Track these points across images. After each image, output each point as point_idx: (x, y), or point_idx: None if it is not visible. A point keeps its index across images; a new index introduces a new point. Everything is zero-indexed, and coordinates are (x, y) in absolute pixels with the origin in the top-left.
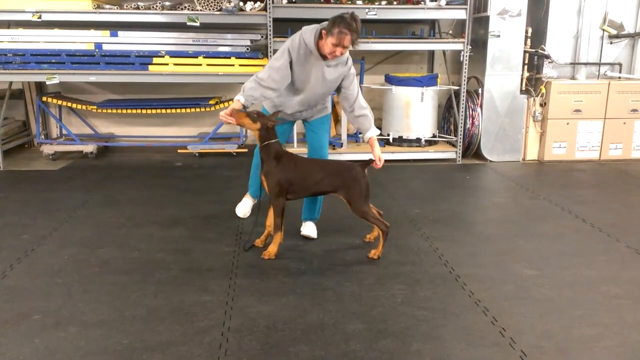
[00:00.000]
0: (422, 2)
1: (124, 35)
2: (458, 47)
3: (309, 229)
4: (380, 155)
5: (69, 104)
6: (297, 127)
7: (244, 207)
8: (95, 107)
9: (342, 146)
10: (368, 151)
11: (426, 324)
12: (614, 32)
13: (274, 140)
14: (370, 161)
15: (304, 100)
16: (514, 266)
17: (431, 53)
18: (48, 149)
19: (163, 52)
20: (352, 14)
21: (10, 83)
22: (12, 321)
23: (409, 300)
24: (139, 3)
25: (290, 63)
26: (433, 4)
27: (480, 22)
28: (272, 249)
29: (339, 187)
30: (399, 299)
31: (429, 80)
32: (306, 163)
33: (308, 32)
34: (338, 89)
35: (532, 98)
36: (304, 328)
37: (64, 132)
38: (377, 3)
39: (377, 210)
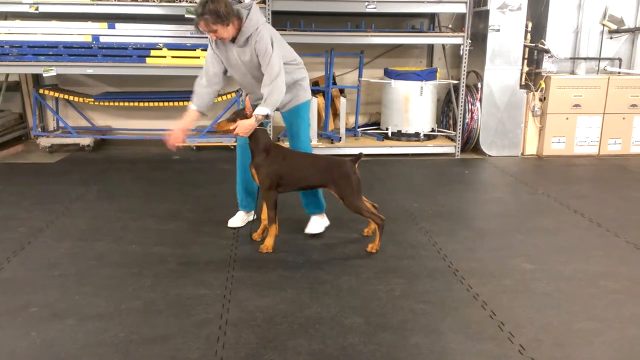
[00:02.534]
0: None
1: (121, 28)
2: (458, 41)
3: (311, 225)
4: (241, 128)
5: (66, 97)
6: None
7: (235, 218)
8: (92, 99)
9: (340, 140)
10: (366, 145)
11: (425, 318)
12: (614, 27)
13: (260, 128)
14: (361, 155)
15: (244, 85)
16: (513, 261)
17: (430, 47)
18: (45, 141)
19: (161, 45)
20: None
21: (7, 75)
22: (9, 314)
23: (407, 294)
24: None
25: (219, 57)
26: None
27: (480, 16)
28: (269, 242)
29: (330, 182)
30: (398, 292)
31: (428, 75)
32: (295, 156)
33: None
34: None
35: (532, 93)
36: (302, 322)
37: (61, 124)
38: None
39: (372, 204)
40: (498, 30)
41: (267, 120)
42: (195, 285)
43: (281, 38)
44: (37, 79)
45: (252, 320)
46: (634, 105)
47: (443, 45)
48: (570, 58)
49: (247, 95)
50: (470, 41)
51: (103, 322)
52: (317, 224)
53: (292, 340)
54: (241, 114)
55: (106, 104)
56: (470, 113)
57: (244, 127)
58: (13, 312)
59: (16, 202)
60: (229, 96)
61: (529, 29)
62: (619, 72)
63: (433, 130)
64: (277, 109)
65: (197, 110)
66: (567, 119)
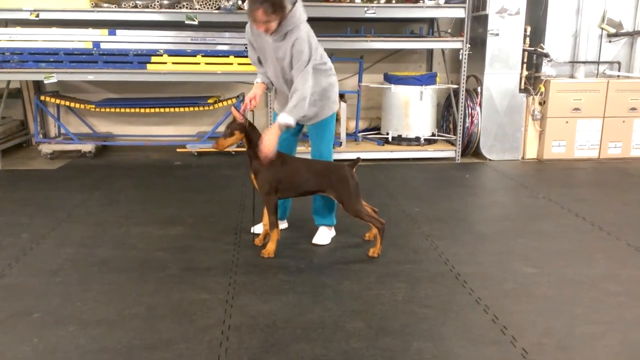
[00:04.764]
0: (421, 1)
1: (122, 34)
2: (457, 45)
3: (318, 236)
4: (266, 143)
5: (67, 103)
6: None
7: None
8: (93, 106)
9: (341, 145)
10: (367, 150)
11: (426, 322)
12: (612, 30)
13: (257, 134)
14: (358, 160)
15: (273, 81)
16: (514, 264)
17: (430, 52)
18: (46, 148)
19: (161, 51)
20: None
21: (8, 82)
22: (11, 320)
23: (409, 298)
24: (137, 2)
25: (254, 46)
26: (432, 2)
27: (479, 20)
28: (270, 247)
29: (328, 187)
30: (399, 297)
31: (428, 79)
32: (293, 162)
33: None
34: None
35: (531, 97)
36: (304, 326)
37: (62, 131)
38: (375, 2)
39: (372, 208)
40: (497, 34)
41: (289, 128)
42: (197, 290)
43: (316, 40)
44: (38, 86)
45: (255, 325)
46: (633, 109)
47: (442, 50)
48: (570, 62)
49: (250, 98)
50: (469, 46)
51: (105, 328)
52: (325, 235)
53: (295, 345)
54: (234, 126)
55: (107, 110)
56: (470, 117)
57: (269, 142)
58: (15, 318)
59: (18, 209)
60: (229, 102)
61: (528, 33)
62: (618, 76)
63: (433, 135)
64: (303, 123)
65: (262, 82)
66: (567, 122)
